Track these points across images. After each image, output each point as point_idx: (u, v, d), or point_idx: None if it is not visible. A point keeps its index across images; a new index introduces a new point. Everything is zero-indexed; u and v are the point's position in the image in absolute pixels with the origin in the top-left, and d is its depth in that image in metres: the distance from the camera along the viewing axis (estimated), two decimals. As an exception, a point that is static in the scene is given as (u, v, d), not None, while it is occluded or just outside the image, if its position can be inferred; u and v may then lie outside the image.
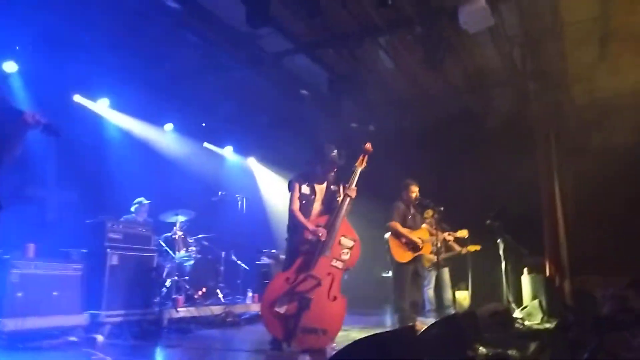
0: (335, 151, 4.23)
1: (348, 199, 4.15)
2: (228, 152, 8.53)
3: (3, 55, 5.53)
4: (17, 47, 5.56)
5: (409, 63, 6.60)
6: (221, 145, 8.49)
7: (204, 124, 7.73)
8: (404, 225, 5.28)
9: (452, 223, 5.83)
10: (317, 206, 4.27)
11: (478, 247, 6.07)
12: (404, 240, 5.22)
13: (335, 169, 4.29)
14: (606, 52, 6.39)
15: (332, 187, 4.34)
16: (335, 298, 3.97)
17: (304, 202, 4.19)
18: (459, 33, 5.57)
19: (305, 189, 4.23)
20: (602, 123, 7.56)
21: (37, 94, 5.78)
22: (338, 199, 4.27)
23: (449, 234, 5.57)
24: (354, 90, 6.86)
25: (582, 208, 7.45)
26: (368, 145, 4.30)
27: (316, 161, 4.27)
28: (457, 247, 6.24)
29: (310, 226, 4.06)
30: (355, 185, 4.22)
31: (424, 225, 5.47)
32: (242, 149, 8.74)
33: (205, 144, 8.24)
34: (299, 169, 4.50)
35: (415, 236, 5.24)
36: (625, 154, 7.02)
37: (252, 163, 8.87)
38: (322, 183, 4.30)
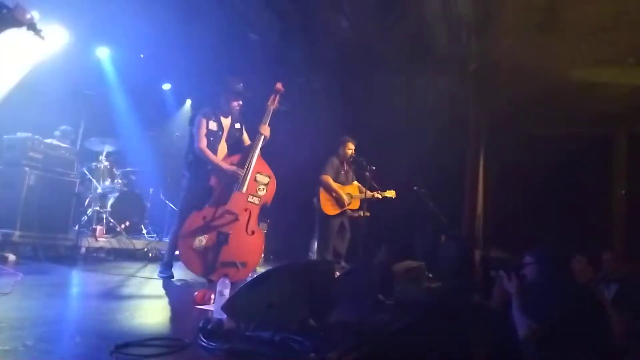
0: (241, 84, 4.24)
1: (262, 137, 4.22)
2: (166, 87, 8.21)
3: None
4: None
5: (362, 24, 6.62)
6: (159, 81, 8.14)
7: (142, 55, 7.33)
8: (336, 180, 5.44)
9: (382, 184, 6.06)
10: (222, 144, 4.26)
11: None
12: (334, 194, 5.38)
13: (240, 103, 4.30)
14: (542, 41, 6.76)
15: (236, 124, 4.35)
16: (253, 232, 4.09)
17: (211, 139, 4.15)
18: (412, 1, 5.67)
19: (213, 125, 4.19)
20: (532, 112, 8.11)
21: None
22: (243, 136, 4.35)
23: (377, 193, 5.78)
24: (305, 44, 6.80)
25: (500, 188, 8.04)
26: (279, 85, 4.44)
27: (220, 92, 4.25)
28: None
29: (225, 165, 4.08)
30: (269, 125, 4.29)
31: (355, 182, 5.65)
32: (181, 90, 8.44)
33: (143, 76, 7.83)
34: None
35: (344, 192, 5.42)
36: (549, 142, 7.63)
37: (190, 105, 8.61)
38: (227, 117, 4.29)
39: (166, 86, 8.17)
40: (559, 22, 5.87)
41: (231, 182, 4.09)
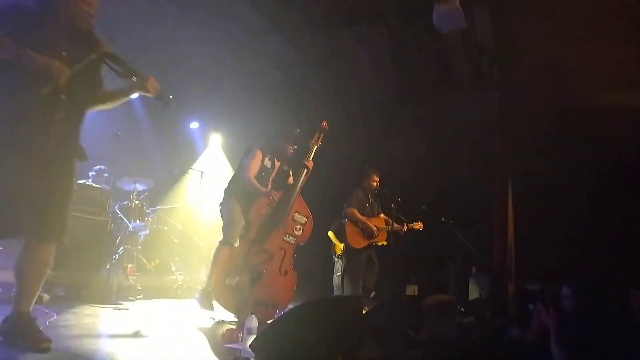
0: (299, 130, 4.31)
1: (305, 172, 4.24)
2: (194, 126, 8.44)
3: None
4: None
5: (382, 57, 6.74)
6: (187, 118, 8.38)
7: (171, 96, 7.58)
8: (361, 213, 5.41)
9: (408, 216, 6.00)
10: (269, 183, 4.31)
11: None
12: (361, 226, 5.35)
13: (295, 148, 4.37)
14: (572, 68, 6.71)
15: (284, 167, 4.39)
16: (286, 272, 4.05)
17: (263, 174, 4.20)
18: (431, 32, 5.73)
19: (267, 162, 4.25)
20: (561, 137, 7.96)
21: None
22: (289, 178, 4.36)
23: (404, 225, 5.73)
24: (327, 78, 6.94)
25: (531, 217, 7.82)
26: (324, 124, 4.47)
27: (280, 137, 4.31)
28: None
29: (264, 189, 4.08)
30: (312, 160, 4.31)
31: (381, 215, 5.61)
32: (209, 125, 8.66)
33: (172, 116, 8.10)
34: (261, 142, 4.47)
35: (372, 224, 5.38)
36: (581, 168, 7.44)
37: (217, 139, 8.80)
38: (280, 159, 4.35)
39: (194, 125, 8.40)
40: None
41: (271, 219, 4.07)
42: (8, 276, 4.20)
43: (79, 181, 5.31)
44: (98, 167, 5.93)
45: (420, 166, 7.75)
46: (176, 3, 5.73)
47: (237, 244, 4.04)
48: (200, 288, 4.31)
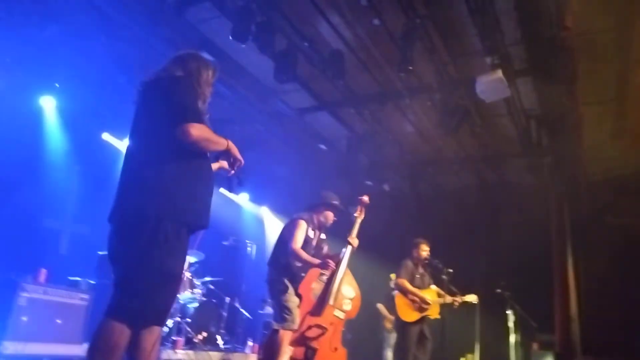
0: (338, 201, 4.32)
1: (351, 248, 4.19)
2: (243, 199, 8.66)
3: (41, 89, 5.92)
4: (57, 84, 5.93)
5: (427, 127, 6.82)
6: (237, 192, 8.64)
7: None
8: (411, 284, 5.25)
9: (460, 288, 5.76)
10: (311, 253, 4.19)
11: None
12: (411, 298, 5.17)
13: (335, 218, 4.34)
14: (621, 131, 6.55)
15: (322, 235, 4.33)
16: (336, 349, 3.92)
17: (305, 245, 4.09)
18: (476, 102, 5.80)
19: (310, 233, 4.16)
20: (616, 202, 7.60)
21: (69, 129, 6.15)
22: (325, 247, 4.32)
23: (457, 297, 5.49)
24: (371, 150, 7.06)
25: (594, 287, 7.32)
26: (365, 198, 4.44)
27: (321, 208, 4.30)
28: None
29: (317, 261, 3.96)
30: (357, 236, 4.26)
31: (432, 287, 5.42)
32: (257, 198, 8.88)
33: (221, 190, 8.38)
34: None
35: (423, 295, 5.19)
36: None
37: (265, 212, 8.97)
38: (319, 228, 4.32)
39: (243, 196, 8.64)
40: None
41: (322, 292, 4.01)
42: (64, 349, 4.31)
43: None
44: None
45: (470, 235, 7.54)
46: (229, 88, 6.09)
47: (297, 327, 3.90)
48: None
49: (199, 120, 2.17)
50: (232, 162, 2.46)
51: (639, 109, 6.01)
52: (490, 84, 5.03)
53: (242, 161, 2.47)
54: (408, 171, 7.74)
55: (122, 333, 2.01)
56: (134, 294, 2.05)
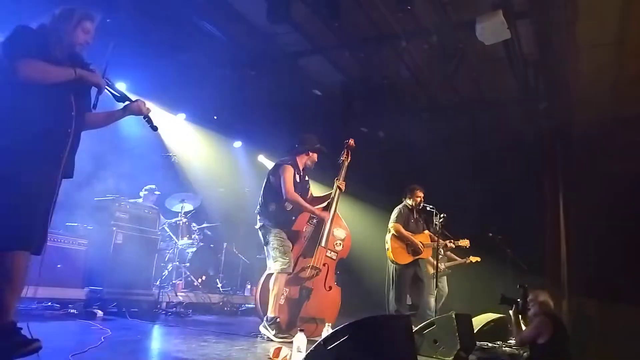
0: (319, 144, 4.31)
1: (339, 191, 4.26)
2: (238, 146, 8.61)
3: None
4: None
5: (423, 72, 6.70)
6: (231, 139, 8.56)
7: (215, 117, 7.80)
8: (406, 229, 5.34)
9: (454, 232, 5.87)
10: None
11: (478, 259, 6.15)
12: (406, 242, 5.27)
13: (316, 159, 4.35)
14: (620, 78, 6.46)
15: (306, 177, 4.35)
16: (330, 288, 4.07)
17: (294, 189, 4.08)
18: (474, 46, 5.66)
19: (297, 177, 4.18)
20: (609, 148, 7.62)
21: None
22: (310, 189, 4.36)
23: (450, 241, 5.61)
24: (366, 95, 6.95)
25: (584, 230, 7.48)
26: (351, 141, 4.51)
27: (306, 151, 4.28)
28: (458, 258, 6.29)
29: (317, 210, 4.09)
30: (344, 179, 4.33)
31: (426, 231, 5.52)
32: (252, 145, 8.80)
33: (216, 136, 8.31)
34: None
35: (417, 240, 5.29)
36: (630, 179, 7.07)
37: (262, 160, 8.93)
38: (302, 171, 4.31)
39: (237, 144, 8.58)
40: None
41: (314, 234, 4.10)
42: (64, 293, 4.42)
43: (130, 200, 5.53)
44: (149, 186, 6.12)
45: (464, 181, 7.58)
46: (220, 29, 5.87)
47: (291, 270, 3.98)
48: (266, 318, 3.98)
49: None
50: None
51: (638, 54, 5.92)
52: (491, 26, 4.89)
53: (145, 108, 2.65)
54: (402, 118, 7.66)
55: None
56: None
